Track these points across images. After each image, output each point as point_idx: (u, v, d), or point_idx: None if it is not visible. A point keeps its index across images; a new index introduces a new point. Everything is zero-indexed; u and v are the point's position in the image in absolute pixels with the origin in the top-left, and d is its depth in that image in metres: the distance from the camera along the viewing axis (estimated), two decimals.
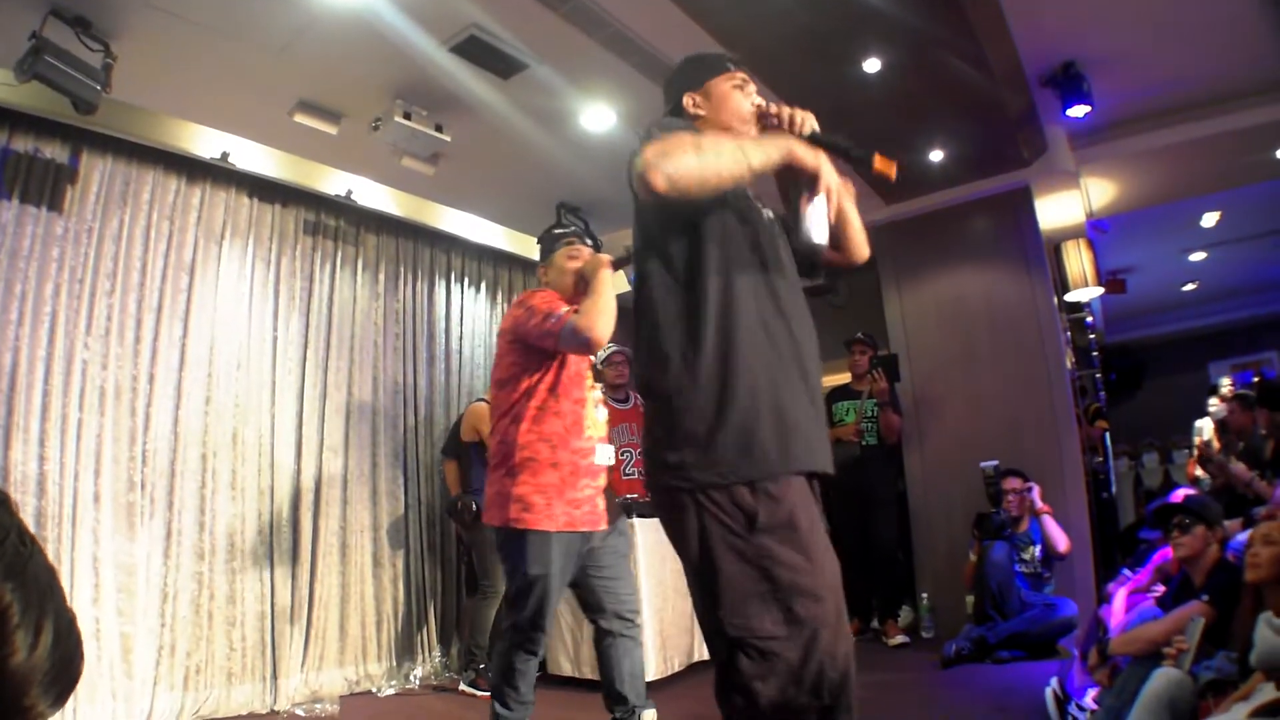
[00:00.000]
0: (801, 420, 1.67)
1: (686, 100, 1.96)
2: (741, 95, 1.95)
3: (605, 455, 3.06)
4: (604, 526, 3.00)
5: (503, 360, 2.99)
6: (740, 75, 1.99)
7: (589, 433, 3.01)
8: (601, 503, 3.03)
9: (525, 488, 2.83)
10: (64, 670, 0.80)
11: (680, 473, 1.63)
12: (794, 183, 1.76)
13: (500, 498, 2.86)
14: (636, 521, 4.48)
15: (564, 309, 2.84)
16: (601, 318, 2.75)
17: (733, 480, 1.59)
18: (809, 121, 1.83)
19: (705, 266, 1.71)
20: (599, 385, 3.24)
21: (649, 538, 4.52)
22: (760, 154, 1.66)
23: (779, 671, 1.51)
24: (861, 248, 2.03)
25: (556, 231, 3.33)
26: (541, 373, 2.93)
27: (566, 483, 2.87)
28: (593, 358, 3.16)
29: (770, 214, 1.94)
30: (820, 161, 1.71)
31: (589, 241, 3.24)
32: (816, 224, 1.69)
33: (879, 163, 1.74)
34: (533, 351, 2.92)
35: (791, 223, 1.72)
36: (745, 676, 1.53)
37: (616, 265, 3.09)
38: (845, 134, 1.86)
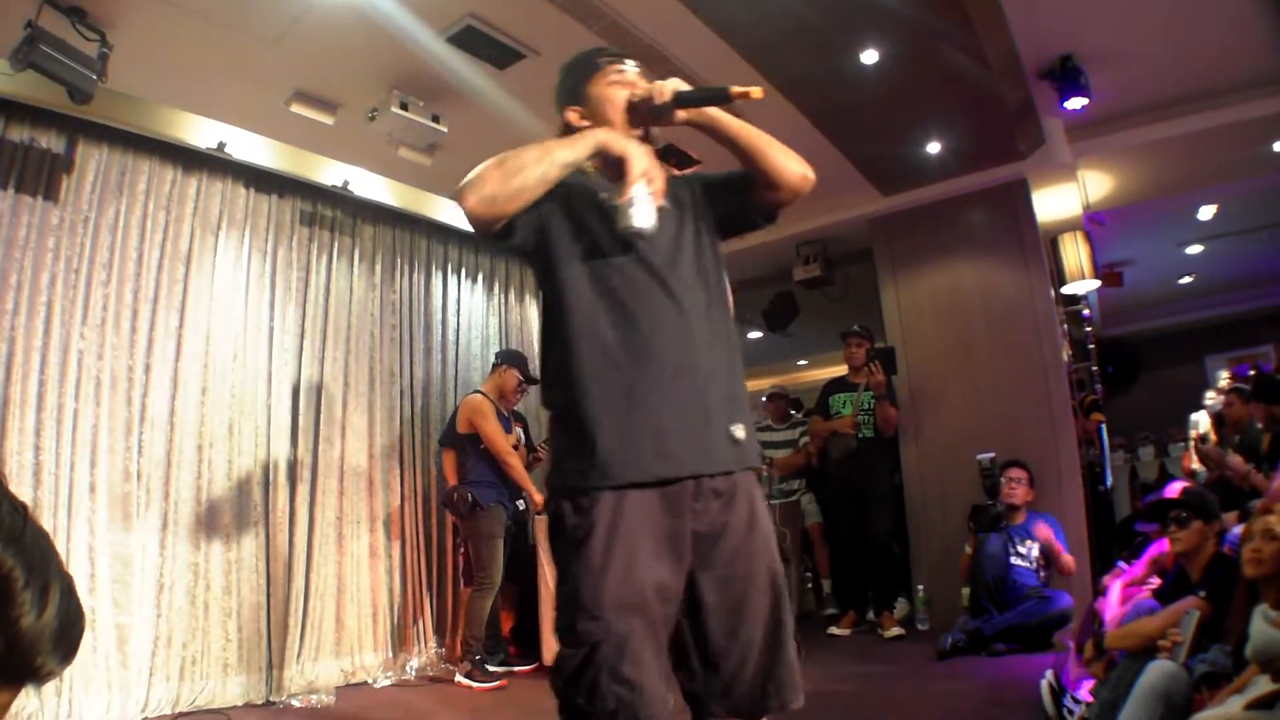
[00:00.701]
0: (635, 429, 1.61)
1: (570, 116, 1.87)
2: (620, 89, 1.83)
3: None
4: None
5: None
6: (614, 68, 1.88)
7: None
8: None
9: None
10: (69, 629, 0.82)
11: (547, 480, 1.74)
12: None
13: None
14: None
15: None
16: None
17: (559, 490, 1.65)
18: (669, 87, 1.74)
19: (551, 290, 1.75)
20: None
21: None
22: (567, 150, 1.68)
23: (564, 673, 1.54)
24: (787, 167, 1.80)
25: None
26: None
27: None
28: None
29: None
30: (627, 148, 1.69)
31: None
32: (639, 211, 1.62)
33: (736, 91, 1.71)
34: None
35: (612, 213, 1.66)
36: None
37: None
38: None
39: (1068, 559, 4.73)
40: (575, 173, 1.74)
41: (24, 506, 0.83)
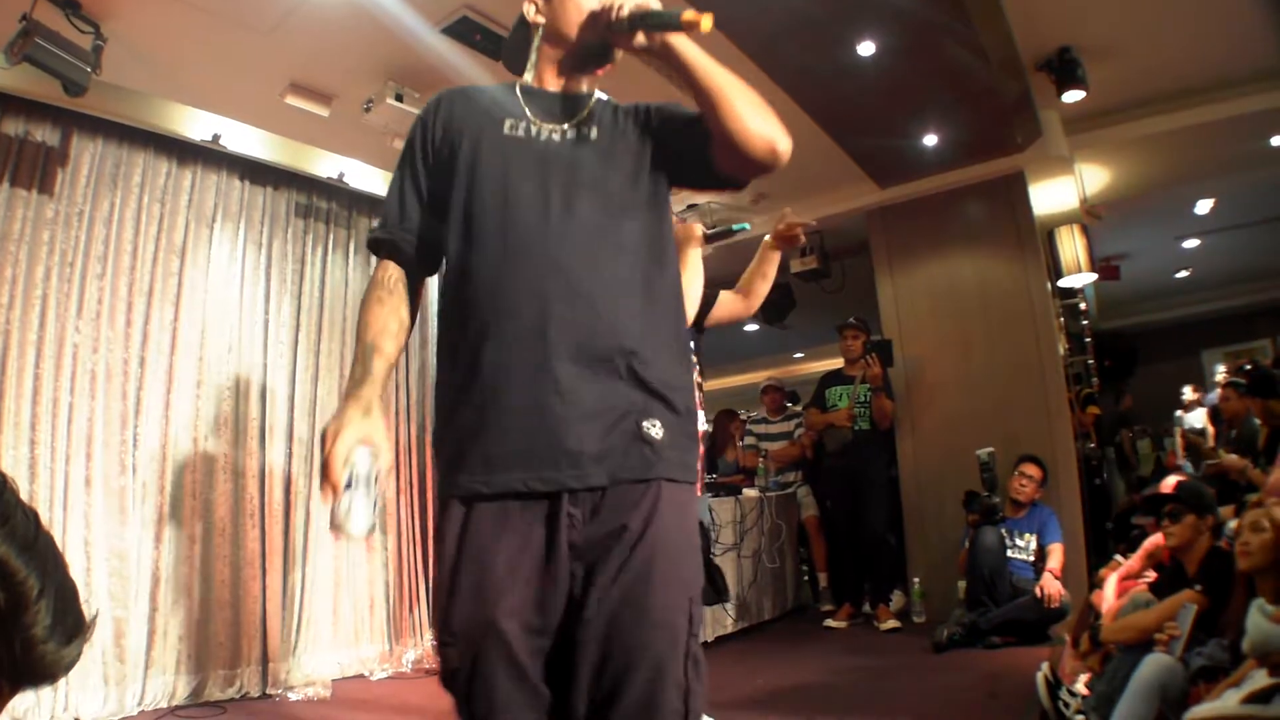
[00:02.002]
0: (481, 436, 1.39)
1: (528, 8, 1.65)
2: None
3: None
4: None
5: None
6: None
7: None
8: None
9: None
10: (76, 636, 0.87)
11: None
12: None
13: None
14: None
15: None
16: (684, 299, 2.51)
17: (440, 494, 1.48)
18: (629, 4, 1.49)
19: None
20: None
21: None
22: None
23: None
24: (751, 125, 1.48)
25: None
26: None
27: None
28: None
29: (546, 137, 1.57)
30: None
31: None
32: (356, 512, 1.34)
33: (686, 18, 1.46)
34: None
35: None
36: None
37: (709, 239, 2.91)
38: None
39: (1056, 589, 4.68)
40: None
41: (35, 514, 0.86)
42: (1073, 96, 4.85)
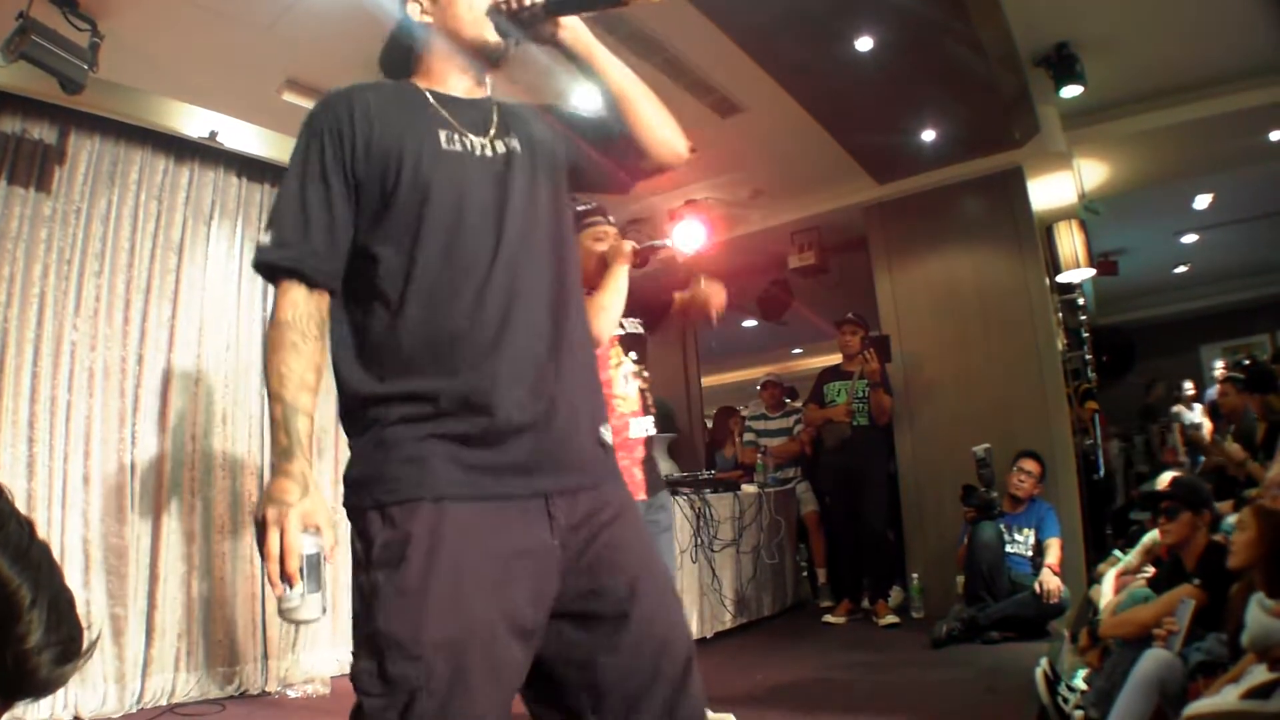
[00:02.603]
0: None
1: (411, 8, 1.53)
2: None
3: (641, 428, 3.04)
4: (642, 496, 2.95)
5: None
6: None
7: (619, 410, 3.01)
8: (639, 474, 2.97)
9: None
10: (71, 645, 0.84)
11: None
12: None
13: None
14: None
15: None
16: (604, 314, 2.71)
17: (363, 504, 1.36)
18: None
19: None
20: (630, 356, 3.16)
21: None
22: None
23: None
24: (658, 131, 1.53)
25: (580, 209, 3.13)
26: None
27: None
28: (621, 327, 3.06)
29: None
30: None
31: (612, 220, 3.10)
32: (307, 602, 1.28)
33: None
34: None
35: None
36: None
37: (639, 255, 3.00)
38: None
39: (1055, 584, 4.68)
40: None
41: (30, 523, 0.84)
42: (1071, 92, 4.84)
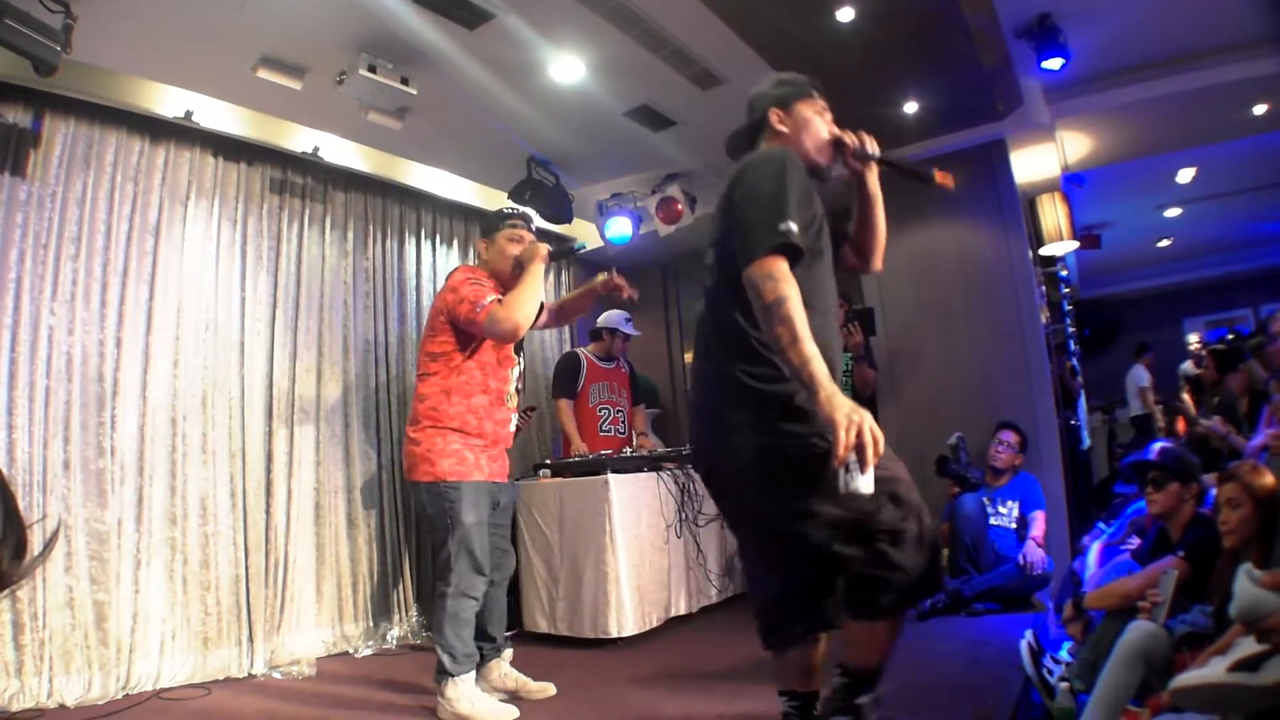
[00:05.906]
0: None
1: (773, 116, 2.24)
2: (821, 122, 2.28)
3: (513, 423, 3.72)
4: (505, 479, 3.66)
5: (437, 336, 3.44)
6: (821, 102, 2.31)
7: (509, 404, 3.62)
8: (506, 461, 3.67)
9: (457, 447, 3.36)
10: (20, 542, 0.91)
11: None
12: None
13: (431, 455, 3.35)
14: (612, 478, 4.49)
15: (489, 298, 3.26)
16: (523, 309, 3.23)
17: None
18: (872, 143, 2.25)
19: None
20: (519, 358, 3.77)
21: (624, 494, 4.54)
22: None
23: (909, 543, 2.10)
24: (876, 263, 2.57)
25: (504, 210, 3.73)
26: (472, 351, 3.43)
27: (489, 445, 3.48)
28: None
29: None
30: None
31: (532, 228, 3.66)
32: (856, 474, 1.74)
33: (939, 177, 2.17)
34: (464, 332, 3.37)
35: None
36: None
37: (553, 257, 3.57)
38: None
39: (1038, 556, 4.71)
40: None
41: None
42: (1053, 64, 4.82)
